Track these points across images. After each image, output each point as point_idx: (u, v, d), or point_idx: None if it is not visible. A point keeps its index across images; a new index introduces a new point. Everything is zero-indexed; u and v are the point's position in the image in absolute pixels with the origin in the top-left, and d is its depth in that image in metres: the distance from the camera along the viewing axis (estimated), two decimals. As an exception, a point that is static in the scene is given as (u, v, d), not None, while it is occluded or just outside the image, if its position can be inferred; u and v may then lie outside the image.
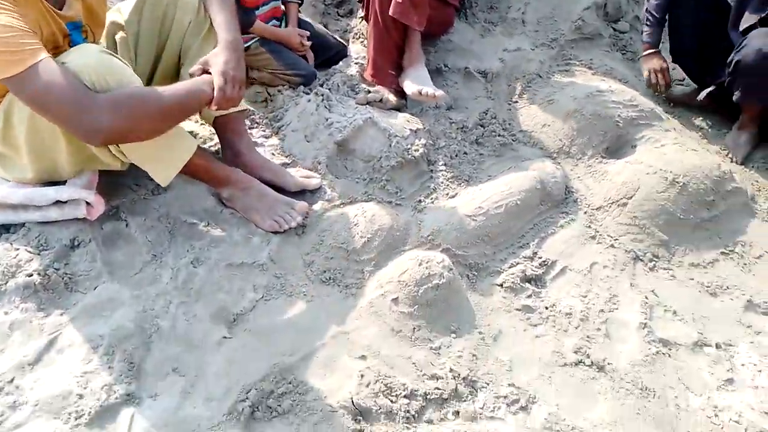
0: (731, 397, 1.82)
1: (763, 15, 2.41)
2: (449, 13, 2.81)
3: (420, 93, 2.37)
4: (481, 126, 2.55)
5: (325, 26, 2.93)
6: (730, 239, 2.29)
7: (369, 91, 2.49)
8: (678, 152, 2.42)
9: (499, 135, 2.52)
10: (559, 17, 3.02)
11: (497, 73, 2.78)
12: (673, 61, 2.93)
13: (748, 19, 2.50)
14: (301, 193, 2.18)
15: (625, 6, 3.24)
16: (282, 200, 2.06)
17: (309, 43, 2.58)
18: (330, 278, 1.96)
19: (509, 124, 2.61)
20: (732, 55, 2.49)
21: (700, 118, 2.88)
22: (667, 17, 2.77)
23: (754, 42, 2.37)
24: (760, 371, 1.91)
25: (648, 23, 2.81)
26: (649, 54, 2.82)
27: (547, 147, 2.54)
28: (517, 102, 2.72)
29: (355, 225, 2.04)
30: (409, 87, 2.43)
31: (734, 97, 2.55)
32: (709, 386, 1.85)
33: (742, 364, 1.93)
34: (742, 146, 2.70)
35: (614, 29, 3.19)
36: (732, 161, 2.69)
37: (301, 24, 2.65)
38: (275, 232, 2.03)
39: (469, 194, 2.25)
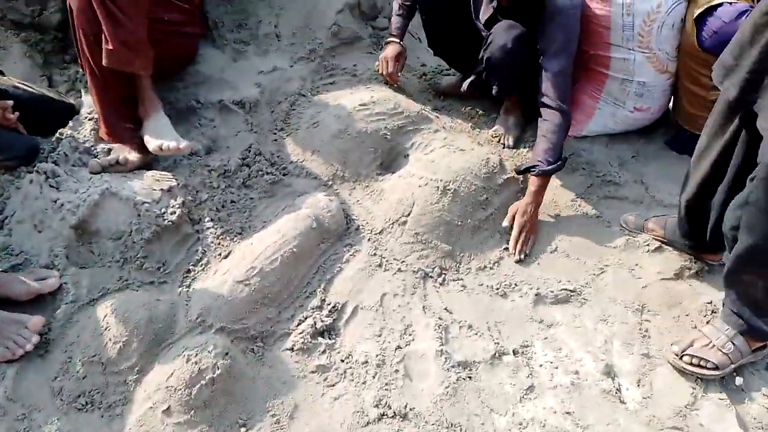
0: (533, 407, 1.83)
1: (494, 4, 2.42)
2: (189, 43, 2.52)
3: (161, 148, 2.09)
4: (246, 166, 2.33)
5: (50, 79, 2.52)
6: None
7: (109, 151, 2.16)
8: (446, 156, 2.39)
9: (267, 173, 2.32)
10: (314, 25, 2.86)
11: (256, 101, 2.56)
12: (434, 54, 2.90)
13: (485, 10, 2.50)
14: (39, 300, 1.83)
15: (380, 1, 3.15)
16: (8, 319, 1.71)
17: (16, 114, 2.17)
18: (87, 402, 1.67)
19: (277, 157, 2.42)
20: (482, 51, 2.49)
21: (470, 107, 2.89)
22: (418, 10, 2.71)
23: (498, 39, 2.38)
24: (556, 368, 1.94)
25: (396, 13, 2.75)
26: (388, 42, 2.75)
27: (321, 175, 2.39)
28: (282, 130, 2.54)
29: (106, 329, 1.74)
30: (150, 142, 2.14)
31: (493, 92, 2.57)
32: (511, 400, 1.85)
33: (540, 365, 1.96)
34: (511, 129, 2.75)
35: (373, 27, 3.10)
36: (504, 146, 2.73)
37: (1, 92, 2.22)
38: (9, 362, 1.68)
39: (240, 252, 2.04)
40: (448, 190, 2.25)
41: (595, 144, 2.85)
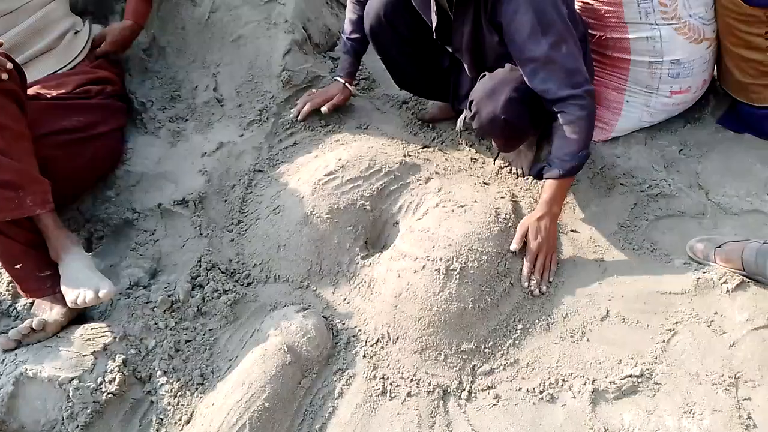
0: None
1: (434, 9, 1.90)
2: (108, 143, 2.06)
3: (77, 302, 1.65)
4: (199, 288, 1.87)
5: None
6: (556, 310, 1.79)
7: (32, 305, 1.75)
8: (442, 220, 1.87)
9: (225, 291, 1.86)
10: (260, 76, 2.36)
11: (203, 194, 2.09)
12: (402, 89, 2.38)
13: (434, 20, 1.95)
14: None
15: (335, 25, 2.62)
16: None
17: None
18: None
19: (237, 263, 1.96)
20: (465, 112, 1.99)
21: (466, 131, 2.35)
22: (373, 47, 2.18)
23: (484, 109, 1.86)
24: None
25: (342, 51, 2.28)
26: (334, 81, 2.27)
27: (293, 275, 1.91)
28: (240, 223, 2.06)
29: None
30: (66, 294, 1.70)
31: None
32: None
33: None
34: (523, 152, 2.22)
35: (333, 59, 2.57)
36: (517, 176, 2.19)
37: None
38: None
39: (202, 418, 1.59)
40: (453, 271, 1.74)
41: (632, 145, 2.28)
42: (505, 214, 1.90)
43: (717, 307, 1.77)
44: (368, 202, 1.97)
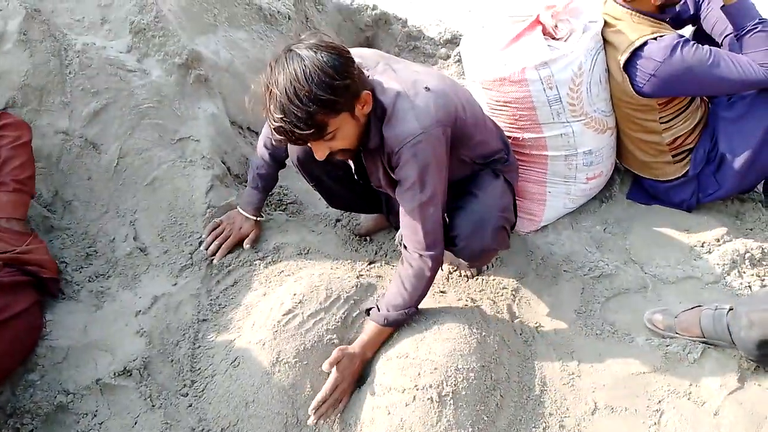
0: None
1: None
2: (26, 324, 1.80)
3: None
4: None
5: None
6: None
7: None
8: (419, 342, 1.80)
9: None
10: (183, 218, 2.21)
11: (146, 359, 1.87)
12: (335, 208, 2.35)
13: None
14: None
15: (253, 155, 2.56)
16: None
17: None
18: None
19: (201, 431, 1.74)
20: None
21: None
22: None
23: (473, 244, 1.89)
24: None
25: (251, 186, 2.20)
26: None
27: (270, 434, 1.72)
28: (195, 383, 1.85)
29: None
30: None
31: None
32: None
33: None
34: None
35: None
36: (467, 278, 2.19)
37: None
38: None
39: None
40: (446, 396, 1.67)
41: (561, 231, 2.40)
42: (477, 323, 1.88)
43: (690, 379, 1.84)
44: (335, 335, 1.87)
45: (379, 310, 1.80)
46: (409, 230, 1.76)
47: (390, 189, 1.89)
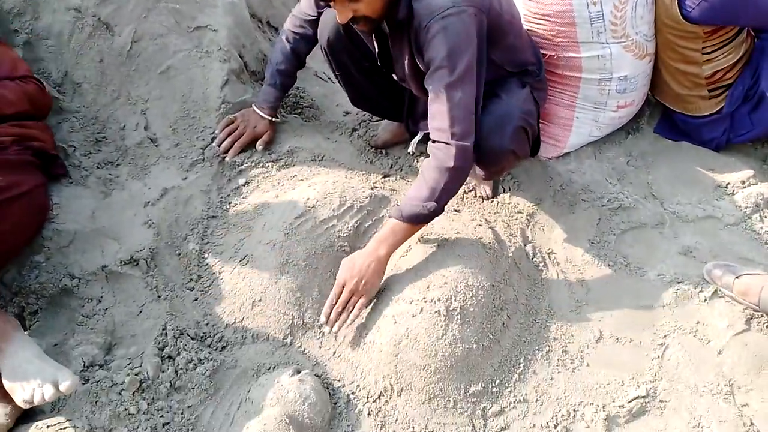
0: None
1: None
2: (32, 204, 1.76)
3: (31, 401, 1.39)
4: (169, 360, 1.65)
5: None
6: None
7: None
8: (431, 256, 1.79)
9: (200, 361, 1.66)
10: (197, 111, 2.14)
11: (153, 249, 1.85)
12: (357, 107, 2.26)
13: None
14: None
15: (268, 48, 2.45)
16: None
17: None
18: None
19: (207, 325, 1.76)
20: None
21: (424, 155, 2.27)
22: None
23: (489, 143, 1.76)
24: None
25: (268, 83, 2.12)
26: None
27: (274, 332, 1.75)
28: (201, 278, 1.84)
29: None
30: (14, 393, 1.42)
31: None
32: None
33: None
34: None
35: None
36: (483, 200, 2.15)
37: None
38: None
39: None
40: (453, 311, 1.65)
41: (583, 160, 2.33)
42: (490, 242, 1.85)
43: (698, 317, 1.83)
44: (346, 243, 1.84)
45: (399, 206, 1.69)
46: (436, 117, 1.63)
47: (414, 81, 1.82)
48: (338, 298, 1.67)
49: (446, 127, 1.61)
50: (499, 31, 1.71)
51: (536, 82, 1.93)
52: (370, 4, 1.57)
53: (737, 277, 1.79)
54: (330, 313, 1.66)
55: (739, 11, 1.95)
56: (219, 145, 2.06)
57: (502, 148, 1.77)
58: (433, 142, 1.67)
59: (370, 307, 1.72)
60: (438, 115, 1.64)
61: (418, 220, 1.66)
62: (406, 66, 1.79)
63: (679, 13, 2.02)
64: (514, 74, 1.86)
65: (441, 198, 1.64)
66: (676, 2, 2.01)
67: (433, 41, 1.59)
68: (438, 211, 1.66)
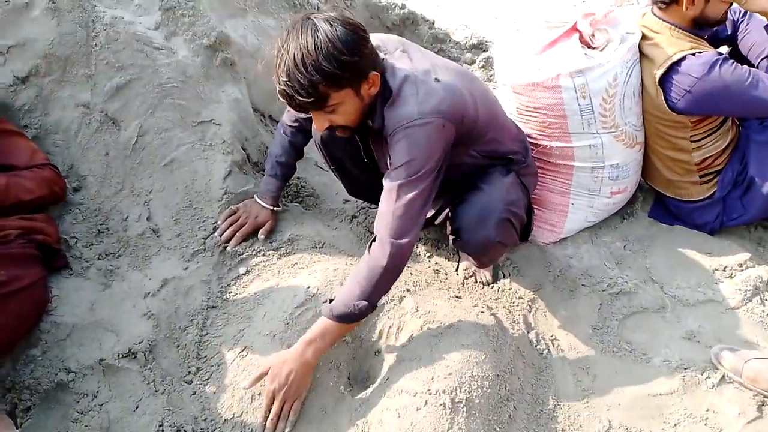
0: None
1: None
2: (32, 297, 1.75)
3: None
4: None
5: None
6: None
7: None
8: (434, 345, 1.76)
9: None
10: (199, 202, 2.16)
11: (152, 343, 1.83)
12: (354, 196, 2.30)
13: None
14: None
15: (269, 140, 2.52)
16: None
17: None
18: None
19: (205, 421, 1.69)
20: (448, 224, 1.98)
21: (421, 242, 2.29)
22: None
23: (475, 237, 1.85)
24: None
25: (269, 174, 2.16)
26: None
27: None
28: (200, 371, 1.81)
29: None
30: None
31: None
32: None
33: None
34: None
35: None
36: (483, 285, 2.14)
37: None
38: None
39: None
40: (459, 403, 1.62)
41: (580, 245, 2.35)
42: (493, 330, 1.84)
43: (708, 404, 1.80)
44: (348, 335, 1.82)
45: (331, 302, 1.67)
46: (382, 215, 1.66)
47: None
48: (269, 410, 1.63)
49: (388, 223, 1.64)
50: (475, 133, 1.78)
51: (523, 168, 1.97)
52: (346, 114, 1.64)
53: (746, 362, 1.77)
54: (266, 426, 1.62)
55: (721, 102, 2.04)
56: (221, 235, 2.08)
57: (487, 240, 1.81)
58: (375, 237, 1.69)
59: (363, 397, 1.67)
60: (384, 213, 1.67)
61: (349, 320, 1.65)
62: (388, 164, 1.84)
63: (665, 104, 2.11)
64: (495, 162, 1.91)
65: (372, 296, 1.65)
66: (662, 95, 2.10)
67: (395, 147, 1.65)
68: (368, 310, 1.66)
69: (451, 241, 2.00)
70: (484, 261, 1.99)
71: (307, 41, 1.50)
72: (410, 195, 1.63)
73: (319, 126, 1.67)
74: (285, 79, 1.53)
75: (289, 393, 1.62)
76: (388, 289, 1.71)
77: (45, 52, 2.05)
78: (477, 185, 1.86)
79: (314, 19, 1.53)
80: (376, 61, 1.64)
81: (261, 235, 2.11)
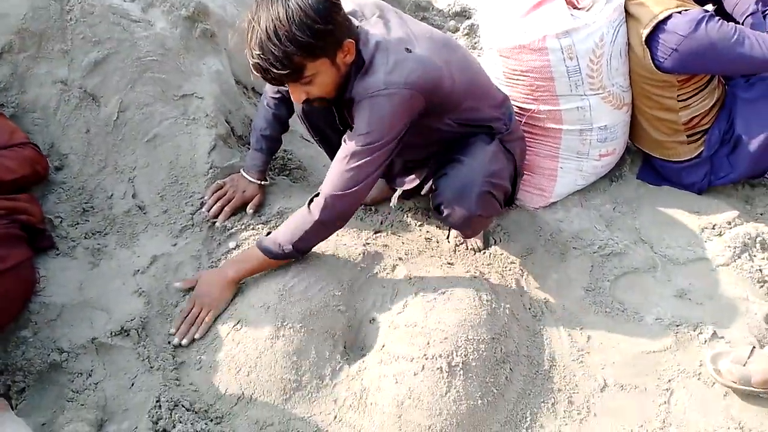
0: None
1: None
2: (20, 278, 1.73)
3: None
4: (164, 434, 1.56)
5: None
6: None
7: None
8: (428, 311, 1.77)
9: (197, 433, 1.57)
10: (185, 177, 2.13)
11: (144, 319, 1.81)
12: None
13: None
14: None
15: (253, 113, 2.47)
16: None
17: None
18: None
19: (201, 394, 1.67)
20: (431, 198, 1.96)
21: (411, 211, 2.29)
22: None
23: (457, 212, 1.84)
24: None
25: (254, 148, 2.12)
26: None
27: (269, 400, 1.67)
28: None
29: None
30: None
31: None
32: None
33: None
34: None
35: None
36: (474, 252, 2.14)
37: None
38: None
39: None
40: (455, 367, 1.63)
41: (570, 208, 2.36)
42: (486, 296, 1.84)
43: (701, 359, 1.82)
44: (341, 302, 1.81)
45: (268, 235, 1.77)
46: (330, 171, 1.70)
47: None
48: (190, 310, 1.77)
49: (330, 182, 1.68)
50: (449, 102, 1.76)
51: (507, 134, 1.95)
52: (322, 85, 1.62)
53: (749, 365, 1.68)
54: (180, 325, 1.75)
55: (707, 59, 2.04)
56: (208, 211, 2.05)
57: (469, 213, 1.81)
58: (317, 194, 1.72)
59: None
60: (332, 171, 1.70)
61: (272, 256, 1.75)
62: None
63: (652, 64, 2.10)
64: (477, 132, 1.88)
65: (298, 244, 1.73)
66: (649, 54, 2.09)
67: (359, 114, 1.65)
68: (292, 255, 1.75)
69: (396, 198, 2.03)
70: (468, 234, 2.01)
71: (278, 11, 1.47)
72: (361, 161, 1.65)
73: (296, 98, 1.66)
74: (258, 52, 1.50)
75: (205, 301, 1.75)
76: (315, 243, 1.78)
77: (18, 28, 1.99)
78: (457, 158, 1.83)
79: None
80: (351, 28, 1.61)
81: (249, 210, 2.08)
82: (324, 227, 1.73)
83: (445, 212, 1.84)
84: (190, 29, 2.22)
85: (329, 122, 1.98)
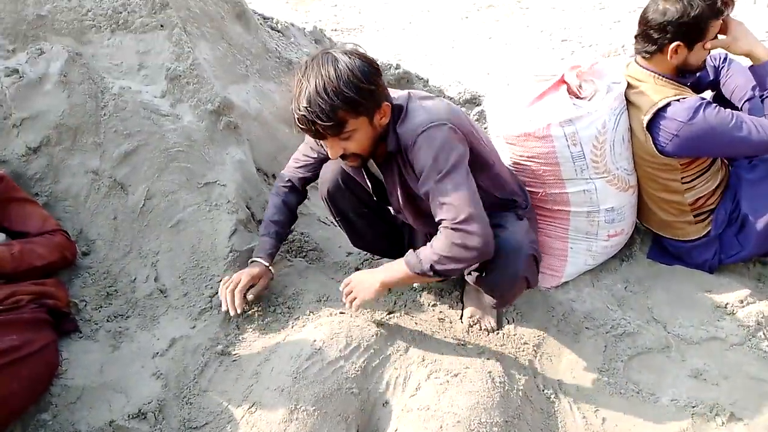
0: None
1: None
2: (44, 361, 1.78)
3: None
4: None
5: None
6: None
7: None
8: (440, 394, 1.79)
9: None
10: (206, 261, 2.21)
11: (161, 402, 1.84)
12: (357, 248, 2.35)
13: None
14: None
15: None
16: None
17: None
18: None
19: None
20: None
21: (424, 290, 2.32)
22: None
23: (502, 271, 1.89)
24: None
25: (262, 234, 2.17)
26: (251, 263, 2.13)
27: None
28: (207, 426, 1.80)
29: None
30: None
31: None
32: None
33: None
34: (487, 306, 2.18)
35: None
36: (488, 332, 2.16)
37: None
38: None
39: None
40: (467, 453, 1.61)
41: (582, 288, 2.38)
42: (499, 378, 1.85)
43: (718, 442, 1.78)
44: (354, 384, 1.84)
45: (416, 252, 1.79)
46: (441, 210, 1.72)
47: (408, 209, 1.95)
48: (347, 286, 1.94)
49: (450, 213, 1.69)
50: (482, 156, 1.88)
51: (526, 212, 2.05)
52: (360, 141, 1.75)
53: None
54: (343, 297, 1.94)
55: (708, 143, 2.11)
56: (226, 308, 2.02)
57: (516, 276, 1.85)
58: (447, 228, 1.71)
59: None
60: (440, 206, 1.72)
61: (416, 271, 1.77)
62: (399, 196, 1.92)
63: (654, 149, 2.18)
64: (506, 207, 1.97)
65: (447, 265, 1.72)
66: (651, 139, 2.17)
67: (419, 153, 1.75)
68: (440, 274, 1.75)
69: (473, 279, 1.97)
70: (508, 298, 2.00)
71: (329, 70, 1.62)
72: (451, 183, 1.70)
73: (333, 153, 1.77)
74: (306, 105, 1.63)
75: (355, 287, 1.92)
76: (458, 266, 1.74)
77: (56, 123, 2.15)
78: (499, 224, 1.87)
79: (333, 52, 1.67)
80: (387, 94, 1.78)
81: (249, 296, 2.04)
82: (473, 252, 1.70)
83: (493, 273, 1.87)
84: (215, 122, 2.38)
85: (354, 206, 2.10)
